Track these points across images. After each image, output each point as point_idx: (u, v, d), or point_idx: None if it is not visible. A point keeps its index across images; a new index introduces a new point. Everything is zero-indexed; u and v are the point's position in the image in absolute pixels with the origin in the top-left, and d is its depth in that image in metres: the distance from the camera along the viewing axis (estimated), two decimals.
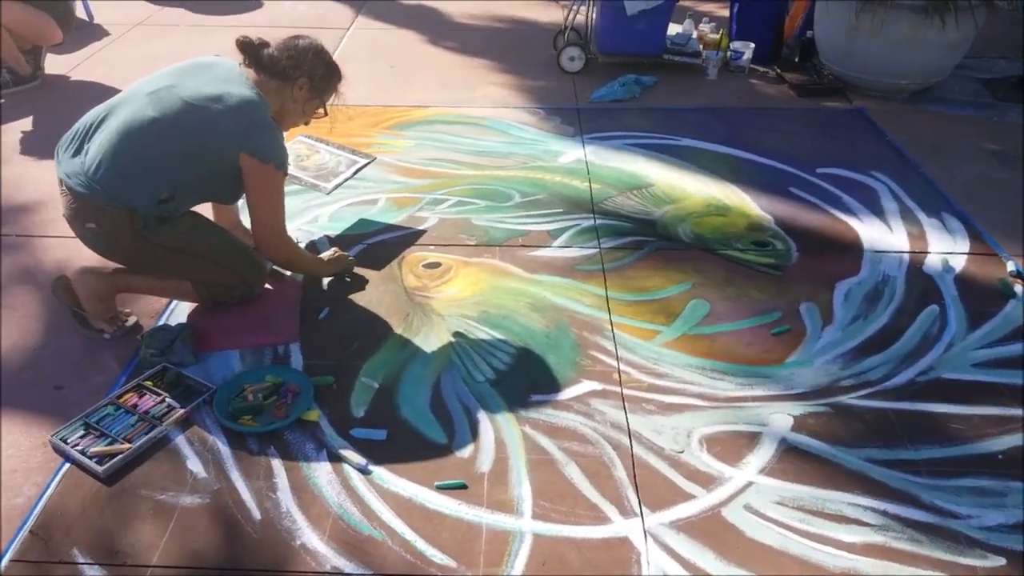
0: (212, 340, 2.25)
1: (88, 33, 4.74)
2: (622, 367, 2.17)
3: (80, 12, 4.80)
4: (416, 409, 2.03)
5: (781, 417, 2.01)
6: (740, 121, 3.67)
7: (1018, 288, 2.47)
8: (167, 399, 2.03)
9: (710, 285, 2.51)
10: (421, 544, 1.68)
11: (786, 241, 2.74)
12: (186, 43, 4.61)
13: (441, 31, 4.91)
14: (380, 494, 1.79)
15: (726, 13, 4.66)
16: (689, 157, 3.32)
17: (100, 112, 2.16)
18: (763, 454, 1.90)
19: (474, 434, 1.95)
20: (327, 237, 2.76)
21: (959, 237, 2.76)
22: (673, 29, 4.28)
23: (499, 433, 1.96)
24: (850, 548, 1.67)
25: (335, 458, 1.88)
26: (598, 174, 3.18)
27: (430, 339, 2.27)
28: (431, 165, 3.26)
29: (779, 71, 4.19)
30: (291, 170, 2.78)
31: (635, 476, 1.84)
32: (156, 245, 2.16)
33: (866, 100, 3.89)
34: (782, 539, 1.69)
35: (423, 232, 2.79)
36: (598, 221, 2.86)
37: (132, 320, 2.32)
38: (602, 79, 4.05)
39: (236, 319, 2.33)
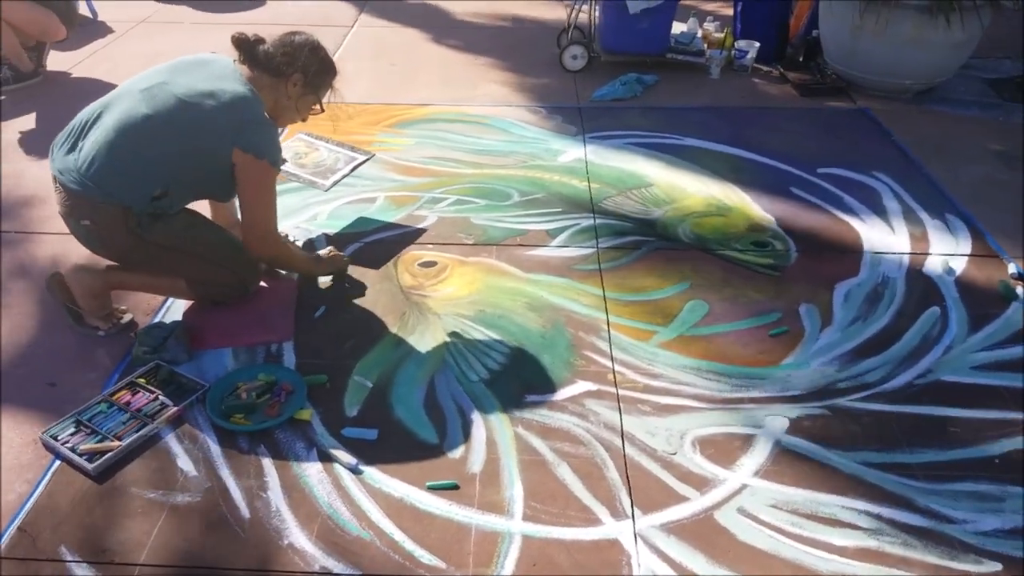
0: (206, 338, 2.25)
1: (91, 30, 4.75)
2: (617, 368, 2.15)
3: (83, 9, 4.82)
4: (410, 409, 2.02)
5: (777, 419, 1.99)
6: (742, 121, 3.64)
7: (1019, 290, 2.44)
8: (160, 397, 2.02)
9: (708, 286, 2.49)
10: (409, 544, 1.67)
11: (786, 241, 2.72)
12: (189, 40, 4.62)
13: (445, 29, 4.90)
14: (371, 494, 1.78)
15: (730, 12, 4.63)
16: (690, 157, 3.29)
17: (95, 109, 2.16)
18: (757, 456, 1.88)
19: (466, 434, 1.94)
20: (325, 235, 2.75)
21: (961, 238, 2.74)
22: (677, 28, 4.25)
23: (491, 433, 1.94)
24: (842, 552, 1.65)
25: (326, 457, 1.87)
26: (598, 173, 3.16)
27: (425, 338, 2.26)
28: (431, 163, 3.25)
29: (782, 70, 4.16)
30: (290, 167, 2.78)
31: (628, 478, 1.82)
32: (150, 243, 2.16)
33: (870, 100, 3.85)
34: (774, 543, 1.68)
35: (422, 231, 2.78)
36: (597, 221, 2.84)
37: (127, 317, 2.32)
38: (604, 78, 4.03)
39: (231, 317, 2.33)
